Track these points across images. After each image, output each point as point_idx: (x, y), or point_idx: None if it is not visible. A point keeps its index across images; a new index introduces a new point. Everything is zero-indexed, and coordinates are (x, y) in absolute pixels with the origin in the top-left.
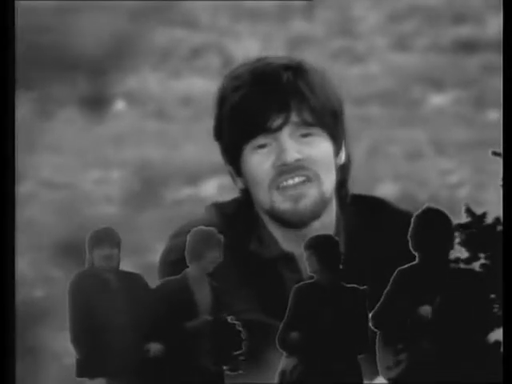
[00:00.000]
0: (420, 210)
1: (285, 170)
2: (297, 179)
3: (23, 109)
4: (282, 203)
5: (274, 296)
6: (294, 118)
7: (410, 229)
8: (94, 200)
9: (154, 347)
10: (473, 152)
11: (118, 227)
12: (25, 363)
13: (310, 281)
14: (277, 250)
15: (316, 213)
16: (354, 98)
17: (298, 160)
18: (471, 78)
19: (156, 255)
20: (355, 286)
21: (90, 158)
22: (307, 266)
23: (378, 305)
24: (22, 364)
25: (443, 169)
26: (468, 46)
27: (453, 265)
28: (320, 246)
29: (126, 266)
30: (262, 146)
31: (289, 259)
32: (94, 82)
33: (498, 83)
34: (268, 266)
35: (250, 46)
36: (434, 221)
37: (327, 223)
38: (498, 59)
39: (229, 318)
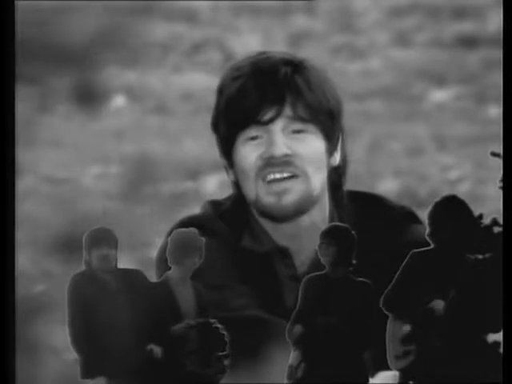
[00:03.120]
0: (441, 198)
1: (272, 163)
2: (284, 174)
3: (23, 104)
4: (266, 196)
5: (269, 292)
6: (287, 112)
7: (428, 216)
8: (93, 195)
9: (156, 349)
10: (473, 148)
11: (118, 222)
12: (25, 358)
13: (320, 272)
14: (270, 245)
15: (300, 209)
16: (354, 94)
17: (287, 155)
18: (472, 73)
19: (155, 250)
20: (365, 280)
21: (90, 153)
22: (322, 255)
23: (389, 287)
24: (22, 359)
25: (444, 164)
26: (469, 42)
27: (469, 256)
28: (339, 237)
29: (125, 260)
30: (253, 138)
31: (283, 254)
32: (94, 77)
33: (498, 79)
34: (262, 261)
35: (250, 42)
36: (454, 209)
37: (318, 221)
38: (499, 55)
39: (212, 321)
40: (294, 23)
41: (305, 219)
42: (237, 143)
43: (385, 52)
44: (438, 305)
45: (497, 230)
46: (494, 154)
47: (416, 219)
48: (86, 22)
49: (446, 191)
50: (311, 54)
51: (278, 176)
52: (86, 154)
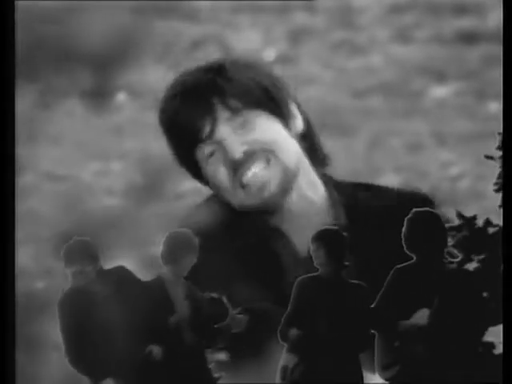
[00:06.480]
0: (411, 213)
1: (238, 166)
2: (254, 168)
3: (25, 100)
4: (248, 200)
5: (270, 275)
6: (223, 114)
7: (403, 232)
8: (95, 192)
9: (156, 349)
10: (474, 144)
11: (119, 219)
12: (25, 354)
13: (313, 274)
14: (265, 226)
15: (284, 190)
16: (355, 90)
17: (246, 151)
18: (472, 69)
19: (157, 247)
20: (359, 282)
21: (91, 149)
22: (313, 258)
23: (374, 303)
24: (23, 355)
25: (444, 161)
26: (469, 38)
27: (450, 265)
28: (328, 239)
29: (127, 258)
30: (211, 155)
31: (279, 234)
32: (95, 74)
33: (499, 75)
34: (259, 244)
35: (250, 38)
36: (426, 222)
37: (311, 197)
38: (499, 51)
39: (212, 295)
40: (294, 20)
41: (295, 197)
42: (201, 166)
43: (385, 48)
44: (421, 316)
45: (491, 230)
46: (487, 157)
47: (432, 204)
48: (87, 20)
49: (446, 187)
50: (311, 50)
51: (250, 174)
52: (87, 150)
